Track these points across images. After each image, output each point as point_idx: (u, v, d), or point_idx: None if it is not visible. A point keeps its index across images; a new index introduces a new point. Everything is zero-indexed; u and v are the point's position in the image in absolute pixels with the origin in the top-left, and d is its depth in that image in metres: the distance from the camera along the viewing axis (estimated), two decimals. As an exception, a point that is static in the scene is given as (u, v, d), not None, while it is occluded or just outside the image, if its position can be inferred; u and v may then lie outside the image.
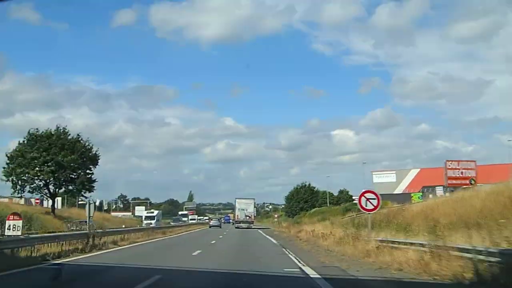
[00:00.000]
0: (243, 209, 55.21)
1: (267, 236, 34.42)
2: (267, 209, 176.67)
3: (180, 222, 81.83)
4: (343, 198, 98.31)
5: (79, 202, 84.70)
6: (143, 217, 73.18)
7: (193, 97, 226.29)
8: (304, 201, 79.31)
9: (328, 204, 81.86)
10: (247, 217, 54.80)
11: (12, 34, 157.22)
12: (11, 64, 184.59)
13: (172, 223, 70.79)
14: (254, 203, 60.51)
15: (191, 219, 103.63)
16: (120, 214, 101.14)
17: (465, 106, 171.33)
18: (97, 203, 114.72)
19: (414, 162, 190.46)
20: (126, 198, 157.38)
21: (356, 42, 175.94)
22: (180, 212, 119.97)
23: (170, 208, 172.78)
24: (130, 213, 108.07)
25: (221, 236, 36.89)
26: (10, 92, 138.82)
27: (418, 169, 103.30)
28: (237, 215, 56.80)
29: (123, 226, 42.17)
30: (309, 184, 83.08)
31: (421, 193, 54.15)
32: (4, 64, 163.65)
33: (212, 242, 28.48)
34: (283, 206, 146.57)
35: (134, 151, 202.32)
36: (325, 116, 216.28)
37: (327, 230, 27.46)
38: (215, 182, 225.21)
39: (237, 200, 57.97)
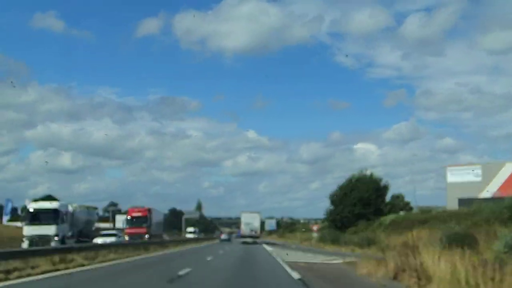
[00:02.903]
0: (248, 223, 53.10)
1: None
2: (289, 221, 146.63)
3: None
4: (398, 205, 68.69)
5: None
6: None
7: (216, 109, 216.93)
8: (364, 203, 45.84)
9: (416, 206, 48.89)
10: (253, 232, 53.01)
11: (36, 45, 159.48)
12: (34, 75, 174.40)
13: None
14: (260, 217, 58.46)
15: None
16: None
17: (492, 120, 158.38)
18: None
19: (437, 176, 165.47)
20: (118, 207, 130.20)
21: (381, 54, 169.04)
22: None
23: (172, 219, 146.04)
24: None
25: None
26: (34, 103, 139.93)
27: (518, 162, 71.96)
28: (243, 229, 54.47)
29: None
30: (372, 175, 49.75)
31: None
32: (27, 75, 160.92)
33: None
34: (302, 221, 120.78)
35: (154, 163, 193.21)
36: (348, 129, 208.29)
37: None
38: (234, 195, 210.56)
39: (242, 214, 56.11)
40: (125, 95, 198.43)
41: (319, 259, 22.45)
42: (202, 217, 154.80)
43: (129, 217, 47.17)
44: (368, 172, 49.95)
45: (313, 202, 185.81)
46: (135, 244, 30.81)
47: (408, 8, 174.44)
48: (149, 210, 47.19)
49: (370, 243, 31.22)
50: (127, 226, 45.84)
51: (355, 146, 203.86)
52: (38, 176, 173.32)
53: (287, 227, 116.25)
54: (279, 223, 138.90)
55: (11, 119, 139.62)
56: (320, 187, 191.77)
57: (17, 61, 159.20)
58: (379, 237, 32.26)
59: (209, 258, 22.06)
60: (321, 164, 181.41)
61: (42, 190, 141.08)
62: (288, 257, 24.54)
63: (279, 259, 21.19)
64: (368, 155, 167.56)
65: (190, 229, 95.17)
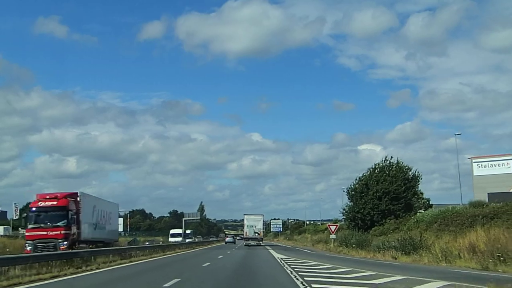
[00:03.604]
0: (252, 226, 52.92)
1: None
2: (294, 222, 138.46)
3: None
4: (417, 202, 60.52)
5: None
6: None
7: (219, 112, 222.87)
8: (391, 197, 37.81)
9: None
10: (256, 234, 52.76)
11: (39, 50, 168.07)
12: (38, 80, 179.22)
13: None
14: (263, 219, 58.97)
15: None
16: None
17: (495, 119, 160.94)
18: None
19: (441, 177, 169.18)
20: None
21: (384, 55, 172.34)
22: None
23: (172, 221, 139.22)
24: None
25: None
26: (38, 108, 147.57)
27: (555, 152, 64.08)
28: (246, 232, 54.29)
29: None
30: (398, 162, 41.60)
31: None
32: (31, 81, 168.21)
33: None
34: (309, 222, 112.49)
35: (158, 167, 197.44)
36: (352, 131, 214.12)
37: None
38: (239, 198, 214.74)
39: (245, 216, 55.33)
40: (128, 99, 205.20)
41: (374, 278, 13.67)
42: (204, 219, 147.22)
43: (33, 209, 26.73)
44: (393, 160, 41.69)
45: (318, 203, 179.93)
46: (47, 256, 17.68)
47: (410, 9, 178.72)
48: (74, 197, 27.77)
49: (416, 247, 23.08)
50: (29, 226, 26.59)
51: (359, 147, 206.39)
52: (43, 180, 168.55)
53: (295, 229, 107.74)
54: (285, 225, 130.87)
55: (15, 125, 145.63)
56: (325, 189, 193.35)
57: (21, 67, 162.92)
58: (427, 239, 24.15)
59: (168, 284, 12.05)
60: (326, 165, 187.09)
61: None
62: (314, 273, 16.15)
63: (299, 283, 12.49)
64: (373, 156, 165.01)
65: (176, 230, 68.75)
